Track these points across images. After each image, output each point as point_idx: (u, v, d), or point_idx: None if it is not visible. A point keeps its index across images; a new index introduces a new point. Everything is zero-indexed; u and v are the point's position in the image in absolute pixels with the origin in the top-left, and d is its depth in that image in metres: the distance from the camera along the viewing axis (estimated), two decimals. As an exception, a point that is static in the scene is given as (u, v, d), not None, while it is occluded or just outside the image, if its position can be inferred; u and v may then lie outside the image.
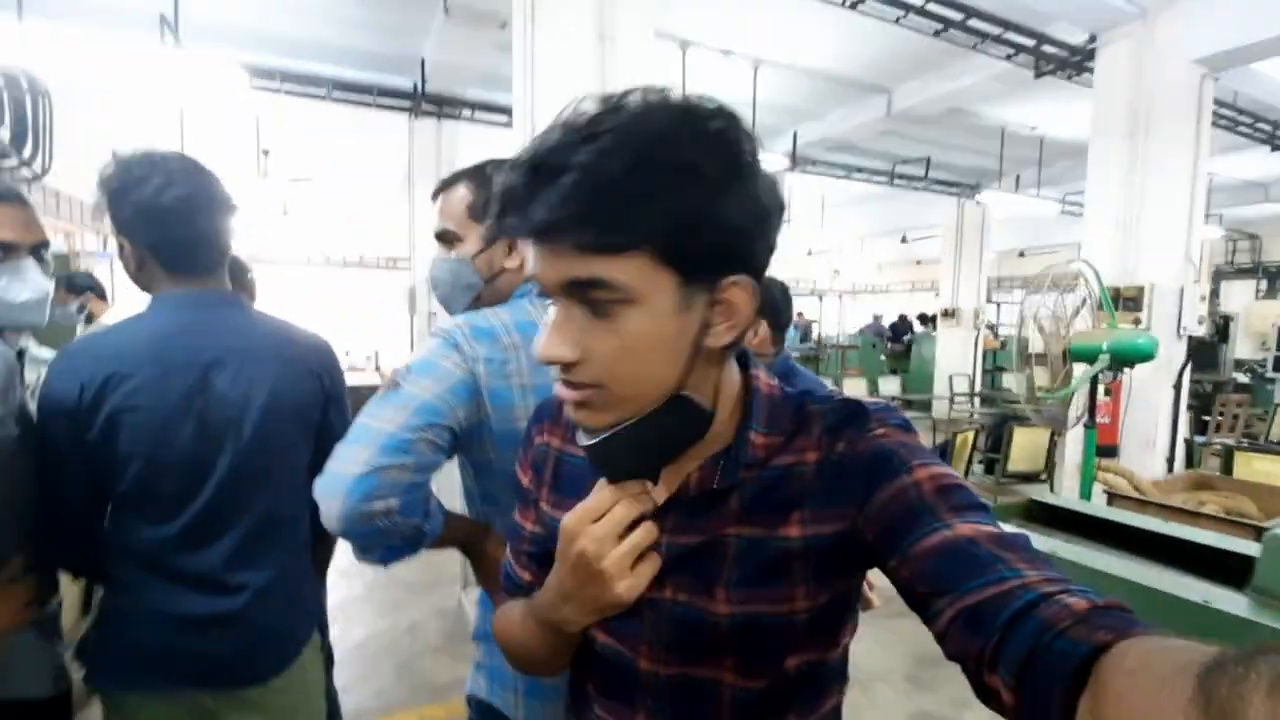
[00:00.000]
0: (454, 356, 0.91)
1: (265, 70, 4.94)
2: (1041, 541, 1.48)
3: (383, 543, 0.88)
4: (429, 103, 5.61)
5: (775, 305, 1.74)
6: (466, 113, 5.78)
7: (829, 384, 7.78)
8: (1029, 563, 0.45)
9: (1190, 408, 6.34)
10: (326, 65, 5.32)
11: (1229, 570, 1.28)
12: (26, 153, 5.10)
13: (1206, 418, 6.73)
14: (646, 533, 0.56)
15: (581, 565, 0.56)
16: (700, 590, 0.57)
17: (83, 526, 1.10)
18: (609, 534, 0.55)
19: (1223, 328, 8.40)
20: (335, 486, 0.83)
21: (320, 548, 1.33)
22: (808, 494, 0.56)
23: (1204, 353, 7.59)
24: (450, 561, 3.84)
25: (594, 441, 0.54)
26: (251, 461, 1.11)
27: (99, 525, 1.10)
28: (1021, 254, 12.64)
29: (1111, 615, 0.39)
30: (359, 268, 12.33)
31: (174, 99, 5.78)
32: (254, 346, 1.13)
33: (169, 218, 1.07)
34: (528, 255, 0.53)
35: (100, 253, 6.82)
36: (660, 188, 0.47)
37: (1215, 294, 8.08)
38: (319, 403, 1.19)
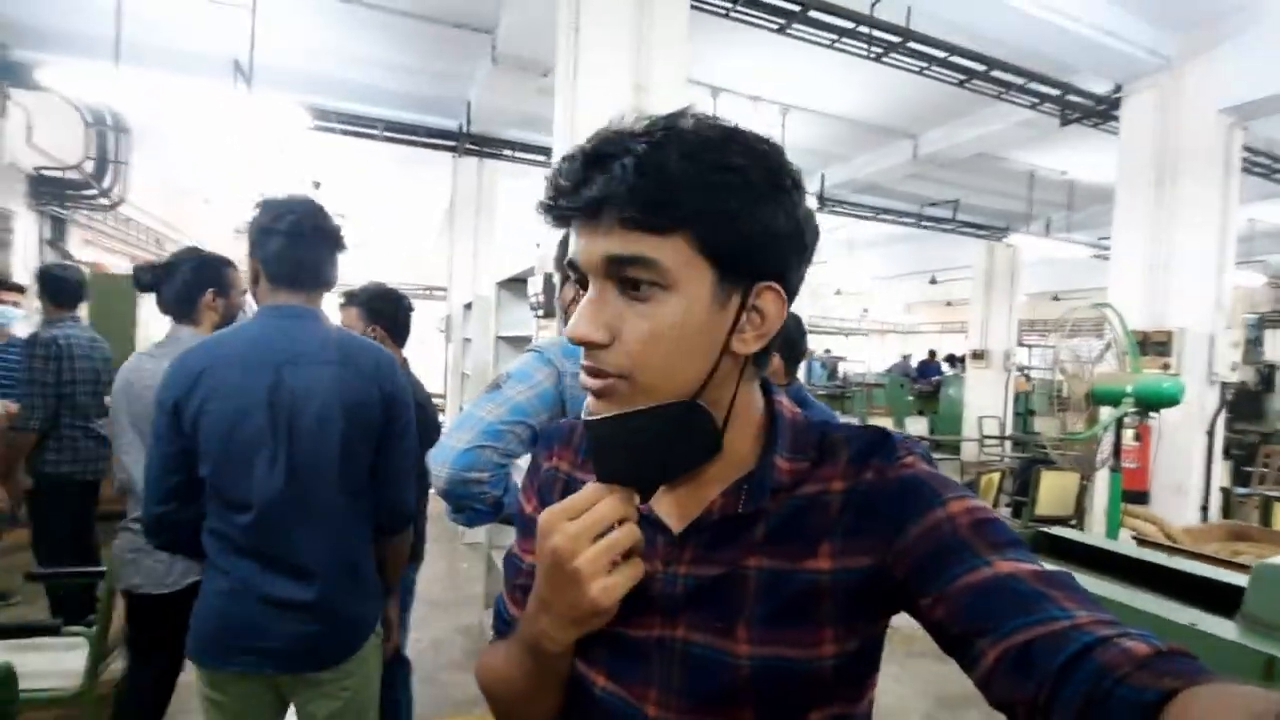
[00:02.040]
0: (545, 370, 1.15)
1: (323, 111, 5.29)
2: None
3: (471, 505, 1.11)
4: (472, 142, 5.93)
5: (789, 336, 1.80)
6: (507, 152, 6.08)
7: (854, 421, 7.75)
8: (1079, 603, 0.43)
9: (1234, 457, 6.17)
10: (379, 107, 5.68)
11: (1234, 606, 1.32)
12: (106, 183, 5.55)
13: (1251, 469, 6.53)
14: (628, 533, 0.51)
15: (555, 564, 0.50)
16: (719, 628, 0.53)
17: (175, 502, 1.27)
18: (585, 531, 0.49)
19: (1268, 376, 8.17)
20: (444, 456, 1.09)
21: (395, 546, 1.46)
22: (835, 524, 0.53)
23: (1248, 402, 7.39)
24: (473, 581, 3.94)
25: (598, 418, 0.52)
26: (314, 453, 1.25)
27: (189, 502, 1.27)
28: (1056, 298, 12.51)
29: (1177, 661, 0.37)
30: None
31: (241, 137, 6.20)
32: (322, 351, 1.30)
33: (279, 238, 1.29)
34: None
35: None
36: (707, 179, 0.48)
37: (1258, 342, 7.88)
38: (376, 403, 1.32)
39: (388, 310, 2.09)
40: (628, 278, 0.49)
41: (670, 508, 0.57)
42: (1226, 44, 3.84)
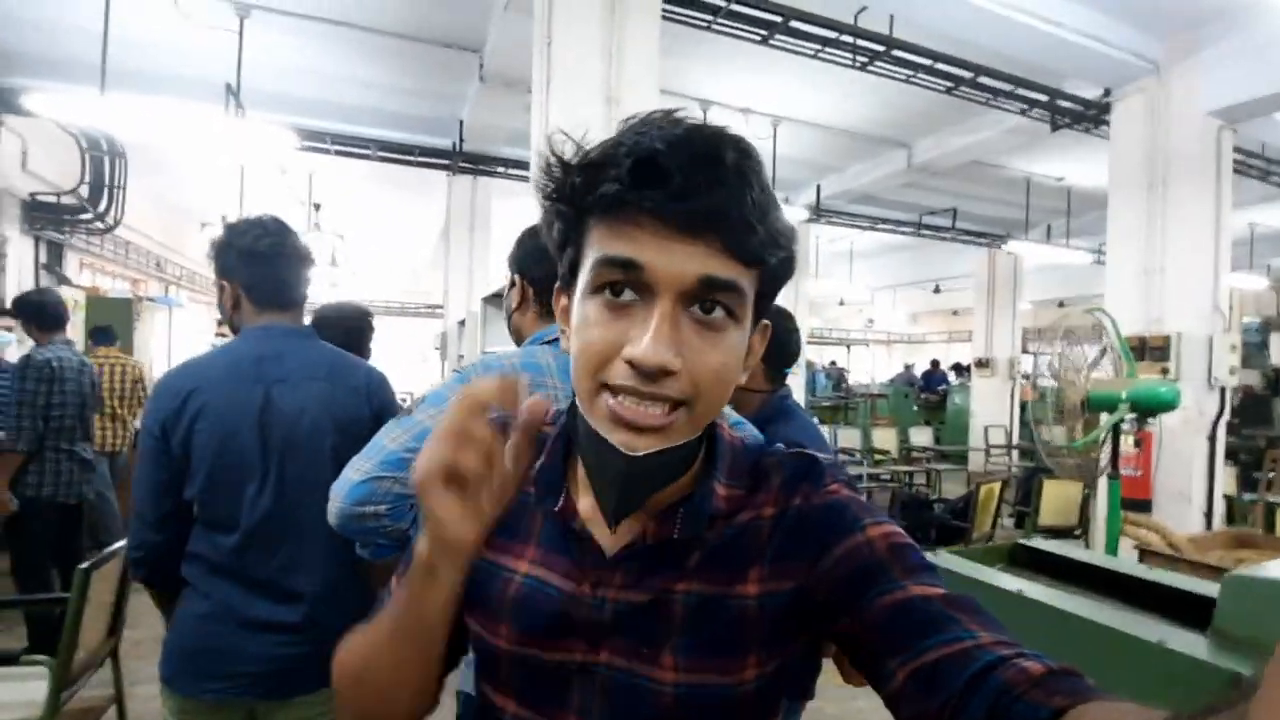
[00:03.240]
0: (457, 388, 1.05)
1: (317, 132, 5.34)
2: (1025, 586, 1.48)
3: (372, 540, 1.04)
4: (466, 161, 5.96)
5: (778, 338, 1.72)
6: (500, 169, 6.11)
7: (856, 435, 7.70)
8: (982, 624, 0.45)
9: (1241, 463, 6.05)
10: (373, 128, 5.73)
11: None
12: (101, 207, 5.61)
13: (1259, 474, 6.39)
14: (493, 476, 0.43)
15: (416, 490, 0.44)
16: (644, 655, 0.51)
17: (159, 536, 1.25)
18: (445, 461, 0.42)
19: (1274, 381, 8.03)
20: (339, 488, 1.01)
21: (384, 564, 1.43)
22: (765, 549, 0.53)
23: (1255, 407, 7.27)
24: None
25: (651, 452, 0.46)
26: (304, 471, 1.24)
27: (180, 530, 1.26)
28: (1061, 304, 12.41)
29: (1067, 680, 0.40)
30: (400, 315, 12.83)
31: (235, 159, 6.27)
32: (311, 369, 1.31)
33: (261, 260, 1.31)
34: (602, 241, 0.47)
35: (161, 298, 7.31)
36: (778, 213, 0.48)
37: (1264, 346, 7.76)
38: (367, 420, 1.31)
39: (326, 328, 2.07)
40: (711, 303, 0.46)
41: (603, 528, 0.54)
42: (1212, 48, 3.82)
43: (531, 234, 1.19)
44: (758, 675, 0.52)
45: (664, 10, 3.04)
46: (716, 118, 5.29)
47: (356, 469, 1.00)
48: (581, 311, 0.49)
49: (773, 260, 0.48)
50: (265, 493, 1.22)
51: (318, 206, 8.27)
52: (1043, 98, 4.58)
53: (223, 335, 4.24)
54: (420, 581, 0.47)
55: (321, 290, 12.18)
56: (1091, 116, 4.67)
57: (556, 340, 1.12)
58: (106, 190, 5.63)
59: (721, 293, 0.46)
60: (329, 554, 1.26)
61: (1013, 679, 0.40)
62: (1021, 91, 4.49)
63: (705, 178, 0.44)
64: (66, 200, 5.37)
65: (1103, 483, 3.57)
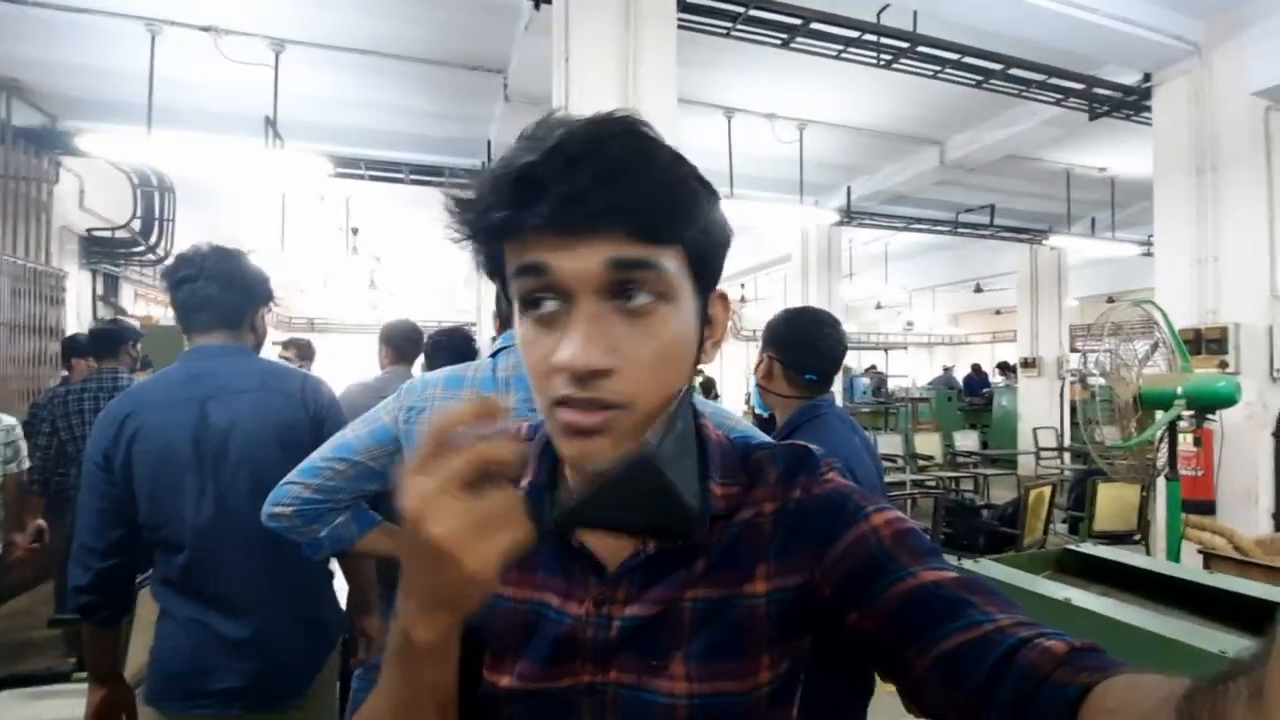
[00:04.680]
0: (391, 406, 1.12)
1: (351, 159, 5.49)
2: (1075, 594, 1.40)
3: (294, 538, 1.10)
4: (494, 180, 6.03)
5: (794, 337, 1.59)
6: (528, 186, 6.17)
7: (898, 441, 7.50)
8: (999, 606, 0.44)
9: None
10: (404, 151, 5.87)
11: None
12: (152, 239, 5.88)
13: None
14: (504, 496, 0.37)
15: (415, 533, 0.36)
16: (654, 669, 0.49)
17: (105, 565, 1.26)
18: (445, 486, 0.36)
19: (1350, 372, 7.54)
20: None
21: (353, 565, 1.46)
22: (769, 546, 0.52)
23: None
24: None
25: (630, 461, 0.43)
26: (241, 482, 1.26)
27: (129, 557, 1.28)
28: (1110, 299, 11.95)
29: (1091, 656, 0.39)
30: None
31: (275, 187, 6.50)
32: (244, 381, 1.34)
33: (180, 288, 1.36)
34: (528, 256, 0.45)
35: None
36: (692, 186, 0.47)
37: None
38: (303, 424, 1.34)
39: (441, 349, 2.39)
40: (630, 285, 0.45)
41: (601, 542, 0.52)
42: (1255, 26, 3.63)
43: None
44: (771, 678, 0.50)
45: (681, 20, 3.04)
46: (741, 124, 5.32)
47: (289, 475, 1.08)
48: (520, 334, 0.48)
49: (689, 233, 0.47)
50: (204, 506, 1.25)
51: (355, 231, 8.51)
52: (1079, 86, 4.42)
53: (286, 357, 4.37)
54: (423, 658, 0.42)
55: (362, 312, 12.55)
56: (1131, 103, 4.49)
57: (504, 350, 1.14)
58: (157, 223, 5.90)
59: (637, 272, 0.45)
60: (273, 567, 1.27)
61: (1037, 661, 0.39)
62: (1056, 81, 4.35)
63: (587, 177, 0.43)
64: (120, 234, 5.64)
65: (1161, 484, 3.39)
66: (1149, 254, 7.84)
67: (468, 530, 0.36)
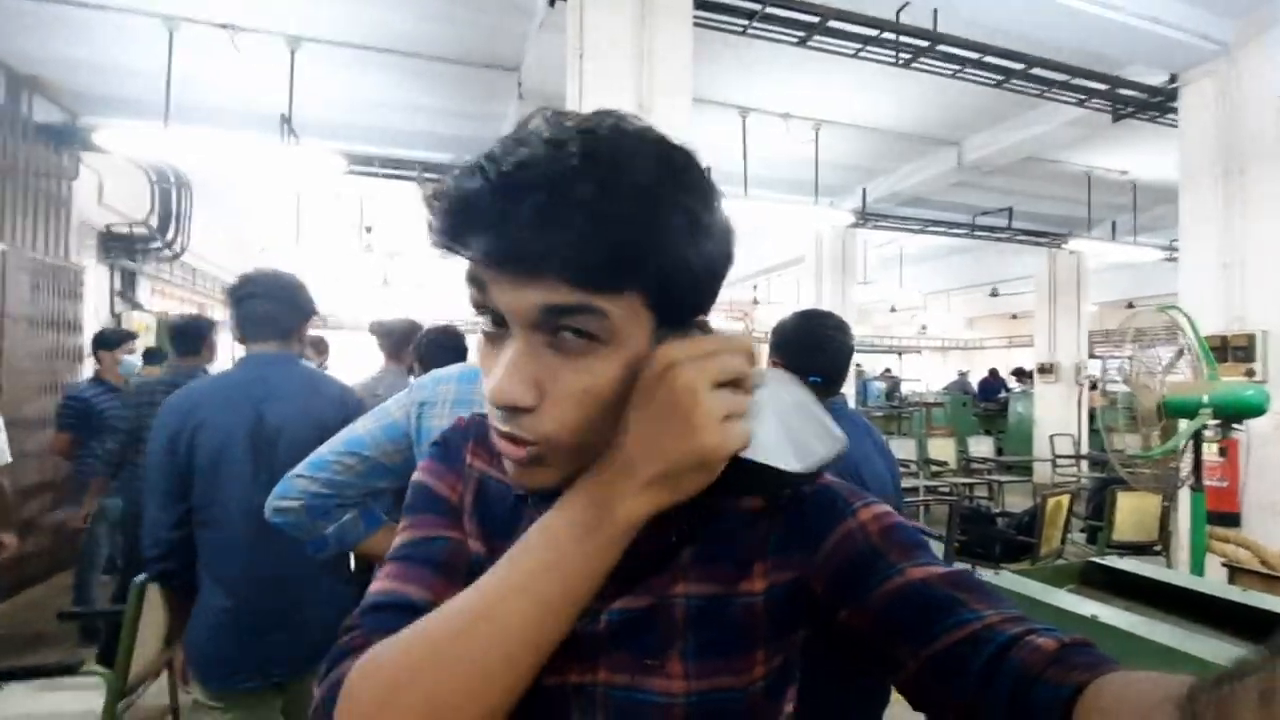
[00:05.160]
0: (403, 401, 1.13)
1: (364, 157, 5.51)
2: (1101, 610, 1.35)
3: (297, 535, 1.12)
4: (508, 178, 6.03)
5: (800, 341, 1.56)
6: (542, 185, 6.17)
7: (912, 446, 7.40)
8: (986, 602, 0.44)
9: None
10: (418, 150, 5.88)
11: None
12: (169, 235, 5.93)
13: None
14: (745, 401, 0.43)
15: (673, 400, 0.40)
16: (649, 669, 0.48)
17: (176, 534, 1.48)
18: (712, 371, 0.41)
19: (1379, 382, 7.36)
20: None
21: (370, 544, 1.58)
22: (765, 543, 0.51)
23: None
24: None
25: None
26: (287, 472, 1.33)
27: (190, 531, 1.48)
28: (1130, 305, 11.76)
29: (1083, 653, 0.39)
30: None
31: (289, 185, 6.54)
32: (292, 386, 1.56)
33: (238, 305, 1.59)
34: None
35: (224, 321, 7.64)
36: (664, 225, 0.42)
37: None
38: (341, 422, 1.41)
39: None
40: (566, 329, 0.42)
41: None
42: (1286, 24, 3.54)
43: None
44: (767, 672, 0.50)
45: (697, 17, 3.00)
46: (756, 124, 5.27)
47: (296, 469, 1.10)
48: (478, 340, 0.48)
49: (648, 276, 0.42)
50: (256, 491, 1.36)
51: (369, 229, 8.54)
52: (1102, 87, 4.34)
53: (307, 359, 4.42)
54: (608, 542, 0.42)
55: (375, 310, 12.63)
56: (1157, 104, 4.40)
57: None
58: (174, 219, 5.95)
59: (574, 317, 0.41)
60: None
61: (1028, 659, 0.39)
62: (1079, 81, 4.27)
63: (529, 215, 0.39)
64: (138, 230, 5.69)
65: (1184, 495, 3.31)
66: (1171, 259, 7.70)
67: (719, 410, 0.40)
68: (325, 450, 1.10)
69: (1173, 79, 4.08)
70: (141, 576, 1.87)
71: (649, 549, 0.48)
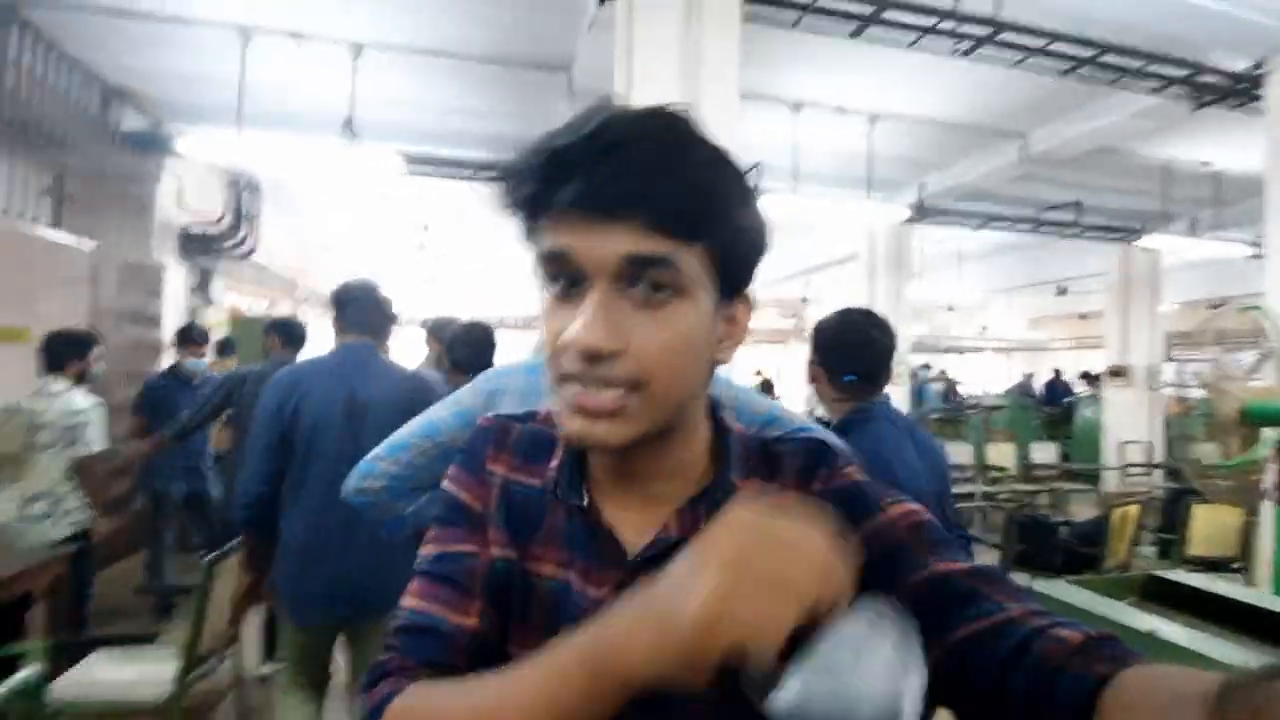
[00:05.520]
0: (477, 390, 1.16)
1: (421, 158, 5.66)
2: (1161, 625, 1.29)
3: (375, 515, 1.18)
4: (559, 177, 6.11)
5: (841, 339, 1.54)
6: (592, 184, 6.22)
7: (969, 451, 7.14)
8: (1010, 595, 0.44)
9: None
10: (471, 150, 6.01)
11: None
12: (241, 235, 6.25)
13: None
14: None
15: (766, 550, 0.36)
16: None
17: (266, 488, 1.82)
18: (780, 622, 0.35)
19: None
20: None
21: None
22: None
23: None
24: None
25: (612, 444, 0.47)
26: (373, 441, 1.43)
27: (278, 486, 1.83)
28: (1213, 305, 11.03)
29: (1108, 645, 0.39)
30: (500, 328, 13.36)
31: (350, 186, 6.80)
32: (377, 370, 1.94)
33: (338, 304, 2.00)
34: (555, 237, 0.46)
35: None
36: (730, 189, 0.47)
37: None
38: (418, 405, 1.51)
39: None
40: (646, 280, 0.45)
41: (627, 525, 0.52)
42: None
43: None
44: None
45: (747, 12, 2.98)
46: (808, 119, 5.18)
47: (374, 451, 1.17)
48: (542, 308, 0.50)
49: (713, 234, 0.46)
50: (345, 453, 1.58)
51: (426, 228, 8.79)
52: (1181, 73, 4.08)
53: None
54: (614, 690, 0.39)
55: (427, 308, 13.01)
56: (1241, 91, 4.11)
57: None
58: (245, 219, 6.27)
59: (653, 269, 0.45)
60: None
61: (1051, 650, 0.39)
62: (1154, 68, 4.02)
63: (616, 164, 0.43)
64: (212, 230, 6.02)
65: (1267, 508, 3.10)
66: (1258, 255, 7.18)
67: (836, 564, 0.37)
68: (403, 433, 1.15)
69: (1258, 65, 3.81)
70: (209, 556, 2.00)
71: (678, 548, 0.46)
